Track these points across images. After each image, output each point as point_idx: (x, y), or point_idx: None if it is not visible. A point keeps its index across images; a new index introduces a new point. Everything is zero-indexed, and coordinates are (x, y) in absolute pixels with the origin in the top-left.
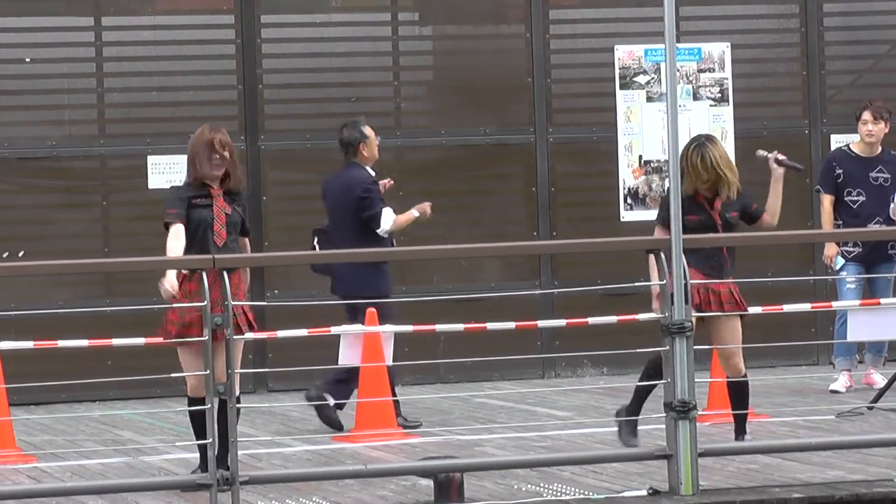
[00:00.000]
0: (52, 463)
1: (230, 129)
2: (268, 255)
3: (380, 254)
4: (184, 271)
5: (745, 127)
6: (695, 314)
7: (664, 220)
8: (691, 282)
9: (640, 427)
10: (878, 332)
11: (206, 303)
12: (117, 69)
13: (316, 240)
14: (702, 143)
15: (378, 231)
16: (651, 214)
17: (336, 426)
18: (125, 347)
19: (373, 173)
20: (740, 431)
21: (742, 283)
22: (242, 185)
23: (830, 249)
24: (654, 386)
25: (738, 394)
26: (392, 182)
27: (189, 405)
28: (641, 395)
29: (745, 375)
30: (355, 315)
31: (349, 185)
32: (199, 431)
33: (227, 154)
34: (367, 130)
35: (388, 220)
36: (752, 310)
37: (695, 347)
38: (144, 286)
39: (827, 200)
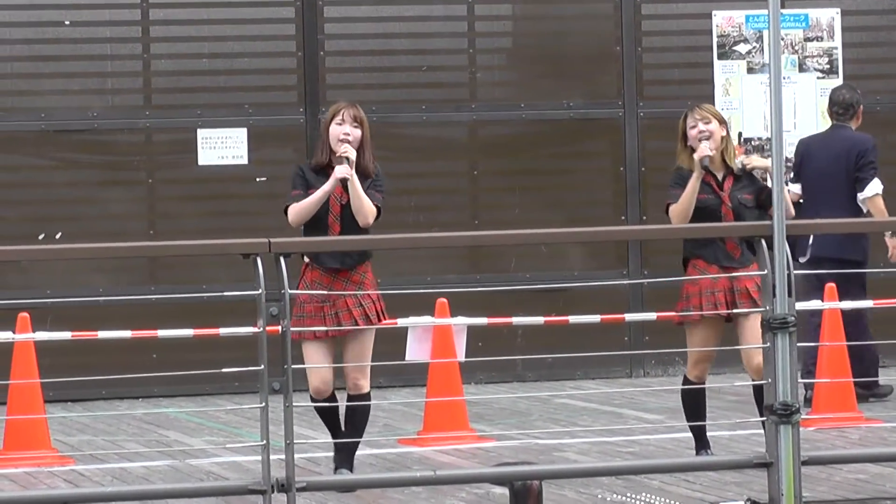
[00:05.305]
0: (91, 465)
1: (288, 101)
2: (326, 238)
3: (441, 239)
4: (305, 260)
5: None
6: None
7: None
8: (717, 276)
9: (737, 432)
10: None
11: (260, 291)
12: (165, 33)
13: None
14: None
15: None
16: None
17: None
18: (172, 339)
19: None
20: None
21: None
22: (372, 170)
23: None
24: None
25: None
26: None
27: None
28: (699, 431)
29: None
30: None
31: (853, 146)
32: (331, 427)
33: (355, 132)
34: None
35: (873, 189)
36: (863, 304)
37: (798, 345)
38: (193, 272)
39: None
